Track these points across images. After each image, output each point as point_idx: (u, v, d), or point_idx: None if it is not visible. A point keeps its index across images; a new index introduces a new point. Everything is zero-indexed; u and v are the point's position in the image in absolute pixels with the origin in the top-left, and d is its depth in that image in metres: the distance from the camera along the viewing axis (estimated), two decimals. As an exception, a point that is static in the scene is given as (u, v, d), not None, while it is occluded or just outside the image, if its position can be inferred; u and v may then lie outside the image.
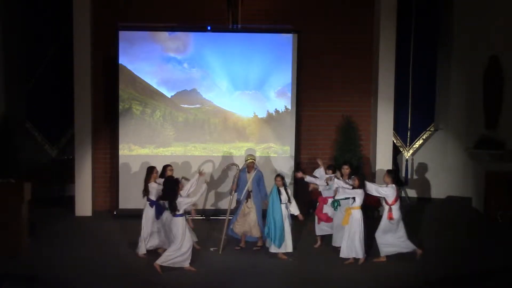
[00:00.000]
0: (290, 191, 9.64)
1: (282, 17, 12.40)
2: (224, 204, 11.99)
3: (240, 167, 9.99)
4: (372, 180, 12.41)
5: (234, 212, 10.02)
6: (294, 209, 9.55)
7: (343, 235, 9.30)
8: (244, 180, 9.88)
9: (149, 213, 9.59)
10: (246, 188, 9.82)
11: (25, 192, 9.39)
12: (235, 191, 9.91)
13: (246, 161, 9.99)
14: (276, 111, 12.24)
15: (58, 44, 12.41)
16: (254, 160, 10.02)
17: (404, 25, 12.76)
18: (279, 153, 12.18)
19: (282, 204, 9.52)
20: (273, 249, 9.38)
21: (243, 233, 9.90)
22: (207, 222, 11.66)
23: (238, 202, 9.94)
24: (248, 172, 9.90)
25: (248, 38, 12.11)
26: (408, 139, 13.23)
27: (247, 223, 9.82)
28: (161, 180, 9.41)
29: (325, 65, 12.58)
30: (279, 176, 9.64)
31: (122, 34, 11.87)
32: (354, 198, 9.34)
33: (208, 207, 12.09)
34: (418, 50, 12.99)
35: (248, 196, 9.84)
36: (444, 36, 13.49)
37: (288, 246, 9.44)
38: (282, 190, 9.52)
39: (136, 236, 10.54)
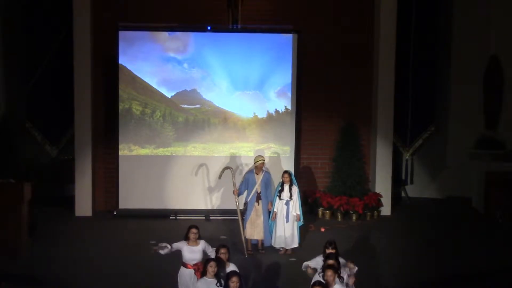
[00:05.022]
0: (297, 190, 9.68)
1: (282, 17, 12.39)
2: (224, 204, 12.01)
3: (249, 168, 9.86)
4: (372, 179, 12.45)
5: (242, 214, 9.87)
6: (295, 208, 9.60)
7: None
8: (252, 181, 9.75)
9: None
10: (254, 190, 9.72)
11: (25, 192, 9.39)
12: (239, 195, 9.72)
13: (255, 162, 9.86)
14: (276, 111, 12.23)
15: (58, 44, 12.39)
16: (264, 160, 9.92)
17: (404, 25, 12.75)
18: (279, 153, 12.18)
19: (281, 201, 9.58)
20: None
21: (250, 237, 9.85)
22: (207, 222, 11.68)
23: (245, 204, 9.74)
24: (257, 174, 9.79)
25: (248, 38, 12.10)
26: (408, 139, 13.23)
27: (255, 226, 9.78)
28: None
29: (325, 65, 12.57)
30: (287, 173, 9.71)
31: (122, 34, 11.86)
32: None
33: (208, 207, 12.09)
34: (418, 50, 12.98)
35: (257, 198, 9.75)
36: (444, 36, 13.49)
37: (277, 242, 9.69)
38: (286, 187, 9.55)
39: (136, 236, 10.58)
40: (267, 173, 9.95)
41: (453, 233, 11.02)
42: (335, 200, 11.86)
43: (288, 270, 8.94)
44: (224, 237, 10.53)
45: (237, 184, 9.98)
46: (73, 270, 8.76)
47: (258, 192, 9.75)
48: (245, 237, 9.67)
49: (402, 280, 8.59)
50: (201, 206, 12.03)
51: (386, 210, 12.27)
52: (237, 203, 9.66)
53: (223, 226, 11.31)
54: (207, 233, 10.74)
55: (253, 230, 9.77)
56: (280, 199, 9.66)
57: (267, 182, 9.85)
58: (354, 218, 11.86)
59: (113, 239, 10.44)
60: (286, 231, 9.62)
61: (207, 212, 11.95)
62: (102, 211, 12.21)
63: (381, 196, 12.15)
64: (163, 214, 11.90)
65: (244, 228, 9.73)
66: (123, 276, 8.58)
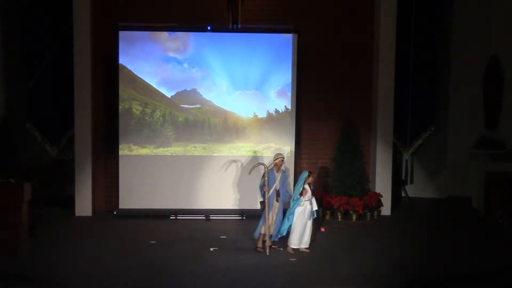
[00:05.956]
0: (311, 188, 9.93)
1: (282, 17, 12.40)
2: (224, 204, 12.02)
3: (268, 166, 9.88)
4: (372, 179, 12.46)
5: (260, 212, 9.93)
6: (315, 205, 9.84)
7: None
8: (272, 179, 9.83)
9: None
10: (273, 188, 9.80)
11: (25, 192, 9.38)
12: (264, 193, 9.77)
13: (275, 159, 9.90)
14: (276, 111, 12.24)
15: (58, 44, 12.40)
16: (284, 158, 9.98)
17: (404, 25, 12.76)
18: (279, 153, 12.17)
19: (306, 201, 9.70)
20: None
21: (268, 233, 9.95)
22: (207, 222, 11.69)
23: (261, 203, 9.82)
24: (276, 172, 9.87)
25: (248, 38, 12.11)
26: (408, 139, 13.23)
27: (272, 222, 9.88)
28: None
29: (325, 65, 12.58)
30: (312, 173, 9.90)
31: (122, 34, 11.87)
32: None
33: (209, 207, 12.09)
34: (418, 50, 12.99)
35: (277, 195, 9.84)
36: (444, 36, 13.49)
37: (304, 242, 9.73)
38: (307, 186, 9.72)
39: (136, 236, 10.58)
40: (284, 171, 10.05)
41: (453, 233, 11.01)
42: (335, 200, 11.86)
43: (288, 270, 8.93)
44: (224, 237, 10.54)
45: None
46: (73, 270, 8.75)
47: (277, 189, 9.84)
48: (265, 234, 9.72)
49: (402, 280, 8.57)
50: (201, 206, 12.04)
51: (386, 210, 12.27)
52: (266, 201, 9.70)
53: (223, 226, 11.32)
54: (207, 233, 10.79)
55: (271, 227, 9.87)
56: (305, 200, 9.75)
57: (284, 180, 9.98)
58: (354, 218, 11.86)
59: (113, 239, 10.43)
60: (309, 230, 9.75)
61: (207, 212, 11.95)
62: (102, 211, 12.22)
63: (381, 196, 12.15)
64: (163, 214, 11.91)
65: (259, 227, 9.81)
66: (123, 276, 8.56)
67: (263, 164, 9.92)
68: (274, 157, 9.96)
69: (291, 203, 9.77)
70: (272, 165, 9.88)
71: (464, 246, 10.18)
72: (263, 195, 9.76)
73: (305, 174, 9.83)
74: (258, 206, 10.02)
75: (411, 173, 13.79)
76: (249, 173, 10.28)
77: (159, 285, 8.28)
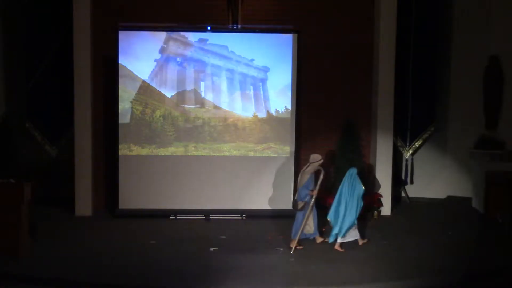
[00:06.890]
0: None
1: (282, 17, 12.40)
2: (224, 205, 12.02)
3: (309, 169, 10.09)
4: (372, 180, 12.45)
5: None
6: None
7: None
8: (312, 180, 10.12)
9: None
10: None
11: (25, 192, 9.38)
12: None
13: (317, 160, 10.09)
14: (276, 111, 12.24)
15: (58, 44, 12.40)
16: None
17: (404, 25, 12.76)
18: (279, 153, 12.18)
19: None
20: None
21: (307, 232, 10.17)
22: (207, 222, 11.69)
23: (296, 202, 10.02)
24: (311, 173, 10.12)
25: (248, 38, 12.11)
26: (408, 139, 13.23)
27: (309, 221, 10.09)
28: None
29: (325, 65, 12.58)
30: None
31: (122, 34, 11.87)
32: None
33: (208, 207, 12.09)
34: (418, 50, 12.98)
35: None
36: (444, 36, 13.49)
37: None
38: None
39: (136, 236, 10.59)
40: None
41: (453, 233, 11.01)
42: (336, 200, 11.85)
43: (288, 270, 8.93)
44: (224, 237, 10.54)
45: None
46: (73, 270, 8.76)
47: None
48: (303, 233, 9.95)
49: (402, 280, 8.58)
50: (201, 206, 12.03)
51: (386, 210, 12.27)
52: (312, 203, 9.91)
53: (223, 226, 11.32)
54: (207, 233, 10.79)
55: (309, 225, 10.10)
56: None
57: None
58: (354, 218, 11.85)
59: (113, 239, 10.44)
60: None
61: (207, 212, 11.95)
62: (102, 211, 12.22)
63: (381, 196, 12.15)
64: (163, 214, 11.91)
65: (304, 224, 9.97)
66: (123, 276, 8.57)
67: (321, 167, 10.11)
68: (315, 158, 10.12)
69: (358, 203, 9.87)
70: (316, 167, 10.06)
71: (464, 246, 10.18)
72: (304, 197, 9.93)
73: (355, 170, 10.03)
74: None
75: (411, 173, 13.77)
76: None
77: (159, 285, 8.28)
